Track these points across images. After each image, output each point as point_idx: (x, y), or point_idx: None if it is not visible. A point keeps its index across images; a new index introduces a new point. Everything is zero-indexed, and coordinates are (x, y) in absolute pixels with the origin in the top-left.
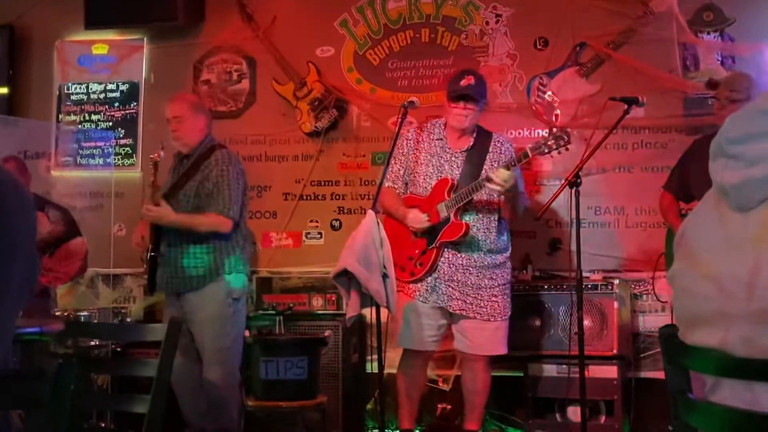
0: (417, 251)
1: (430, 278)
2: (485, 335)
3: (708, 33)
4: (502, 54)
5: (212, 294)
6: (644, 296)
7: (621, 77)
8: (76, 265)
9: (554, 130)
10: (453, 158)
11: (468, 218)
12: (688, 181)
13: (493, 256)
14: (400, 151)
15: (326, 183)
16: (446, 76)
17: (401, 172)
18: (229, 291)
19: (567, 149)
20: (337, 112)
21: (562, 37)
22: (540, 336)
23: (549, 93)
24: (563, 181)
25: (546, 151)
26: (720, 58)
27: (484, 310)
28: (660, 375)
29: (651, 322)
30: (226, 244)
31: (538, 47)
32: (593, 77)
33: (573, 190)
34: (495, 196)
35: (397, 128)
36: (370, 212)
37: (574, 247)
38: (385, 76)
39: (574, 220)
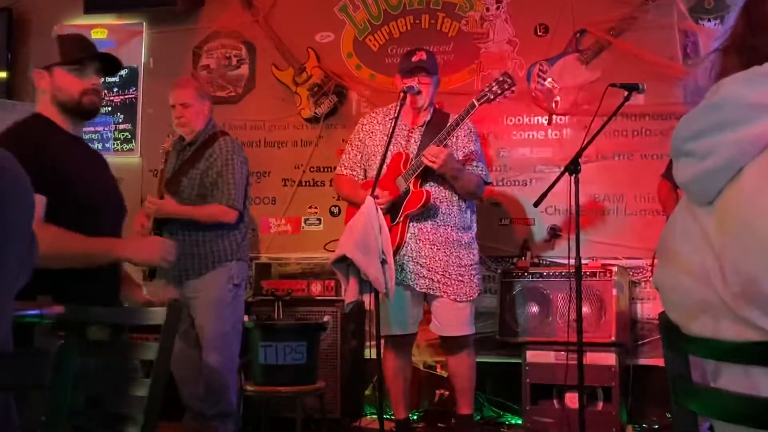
0: None
1: (398, 257)
2: (450, 315)
3: (709, 20)
4: (502, 40)
5: (214, 279)
6: (643, 283)
7: (621, 64)
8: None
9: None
10: (410, 134)
11: (428, 188)
12: None
13: (459, 233)
14: (357, 137)
15: (325, 169)
16: (446, 62)
17: (358, 158)
18: (230, 276)
19: (513, 92)
20: (337, 98)
21: (563, 23)
22: (538, 323)
23: (549, 80)
24: (562, 168)
25: (492, 97)
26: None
27: (450, 288)
28: (658, 362)
29: (649, 309)
30: (227, 230)
31: (539, 34)
32: (593, 64)
33: (572, 177)
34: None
35: (396, 114)
36: (369, 198)
37: (573, 234)
38: (385, 62)
39: (573, 207)
